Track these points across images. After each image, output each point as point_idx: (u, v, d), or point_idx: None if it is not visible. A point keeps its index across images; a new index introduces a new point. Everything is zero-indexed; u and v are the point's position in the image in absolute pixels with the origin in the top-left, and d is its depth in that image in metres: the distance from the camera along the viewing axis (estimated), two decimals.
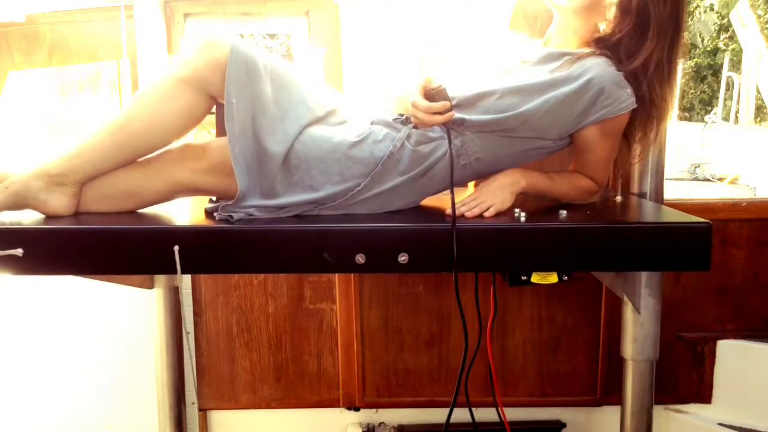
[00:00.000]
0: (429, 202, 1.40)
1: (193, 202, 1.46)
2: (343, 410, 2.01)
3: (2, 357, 1.99)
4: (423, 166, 1.31)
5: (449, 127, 1.29)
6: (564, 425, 2.00)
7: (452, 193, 1.26)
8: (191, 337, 1.94)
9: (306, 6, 1.88)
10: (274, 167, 1.26)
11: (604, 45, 1.35)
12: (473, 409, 1.93)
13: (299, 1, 1.89)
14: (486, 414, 1.84)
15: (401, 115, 1.37)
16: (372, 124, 1.35)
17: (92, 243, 1.21)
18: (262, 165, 1.26)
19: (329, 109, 1.37)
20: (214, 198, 1.36)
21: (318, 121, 1.33)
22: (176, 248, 1.17)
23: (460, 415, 1.92)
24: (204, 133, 1.66)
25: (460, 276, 1.23)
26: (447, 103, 1.25)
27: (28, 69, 1.97)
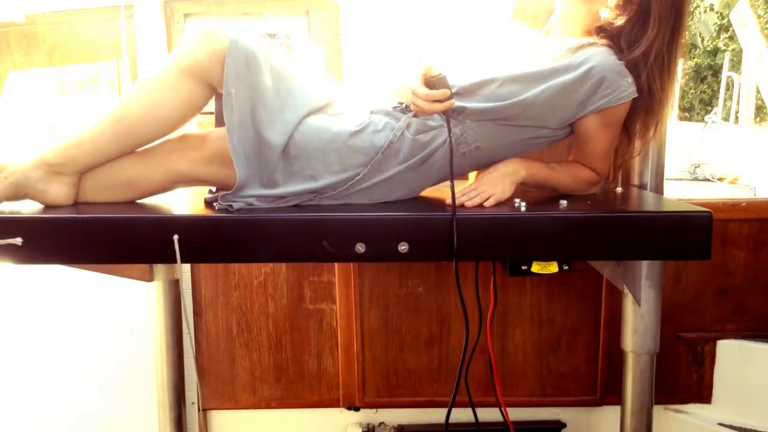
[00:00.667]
0: (429, 192, 1.40)
1: (193, 192, 1.46)
2: (343, 410, 2.01)
3: (2, 357, 1.99)
4: (422, 155, 1.32)
5: (449, 115, 1.29)
6: (564, 425, 2.00)
7: (452, 181, 1.26)
8: (191, 336, 1.94)
9: (306, 6, 1.88)
10: (274, 157, 1.26)
11: (605, 34, 1.35)
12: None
13: (299, 1, 1.89)
14: (486, 414, 1.84)
15: (401, 103, 1.37)
16: (371, 113, 1.35)
17: (91, 232, 1.21)
18: (261, 155, 1.26)
19: (328, 100, 1.37)
20: (213, 189, 1.36)
21: (317, 111, 1.33)
22: (176, 237, 1.17)
23: (460, 415, 1.93)
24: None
25: (461, 269, 1.23)
26: (447, 91, 1.25)
27: (28, 69, 1.97)
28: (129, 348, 1.97)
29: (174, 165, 1.30)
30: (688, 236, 1.22)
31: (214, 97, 1.33)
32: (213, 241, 1.22)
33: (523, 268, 1.54)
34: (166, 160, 1.30)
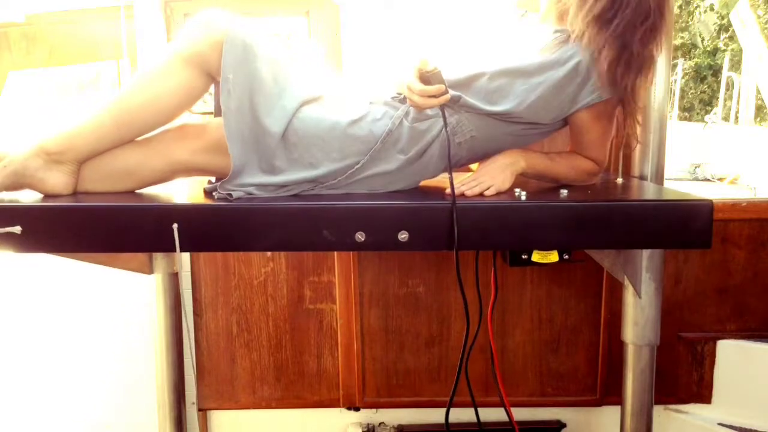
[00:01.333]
0: (429, 182, 1.40)
1: (192, 182, 1.46)
2: (343, 410, 2.01)
3: (2, 357, 1.99)
4: (420, 147, 1.32)
5: (445, 108, 1.29)
6: (564, 425, 2.00)
7: (450, 171, 1.26)
8: (191, 336, 1.94)
9: (306, 6, 1.89)
10: (272, 143, 1.26)
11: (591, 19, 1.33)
12: (473, 408, 1.93)
13: (299, 1, 1.89)
14: (486, 414, 1.84)
15: (399, 94, 1.37)
16: (370, 103, 1.36)
17: (91, 221, 1.21)
18: (259, 141, 1.26)
19: (326, 90, 1.37)
20: (213, 179, 1.36)
21: (315, 100, 1.34)
22: (175, 226, 1.17)
23: (461, 414, 1.93)
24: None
25: (461, 261, 1.23)
26: (442, 87, 1.26)
27: (28, 69, 1.97)
28: (129, 348, 1.97)
29: (173, 154, 1.30)
30: (688, 225, 1.21)
31: (213, 89, 1.33)
32: (212, 229, 1.21)
33: (523, 257, 1.54)
34: (165, 149, 1.30)
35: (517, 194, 1.26)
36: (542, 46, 1.36)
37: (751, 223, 1.85)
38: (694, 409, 1.95)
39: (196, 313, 1.95)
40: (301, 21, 1.90)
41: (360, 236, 1.19)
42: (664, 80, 1.55)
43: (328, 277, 1.93)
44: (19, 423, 2.02)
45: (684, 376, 1.93)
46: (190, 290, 1.93)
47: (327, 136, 1.28)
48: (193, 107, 1.35)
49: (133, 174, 1.31)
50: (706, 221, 1.21)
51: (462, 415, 1.93)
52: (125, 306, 1.96)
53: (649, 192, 1.44)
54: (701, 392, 1.93)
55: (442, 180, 1.35)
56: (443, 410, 1.69)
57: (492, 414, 1.86)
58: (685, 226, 1.22)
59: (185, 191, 1.40)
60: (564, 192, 1.29)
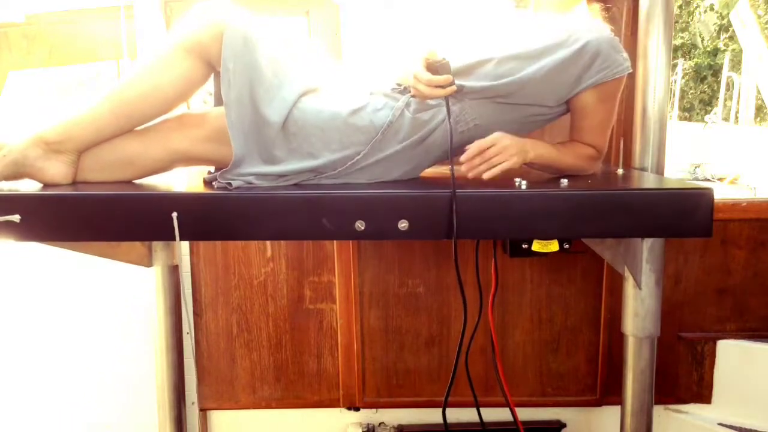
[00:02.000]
0: (429, 172, 1.40)
1: (192, 172, 1.46)
2: (343, 410, 2.01)
3: (2, 357, 1.99)
4: (421, 133, 1.32)
5: (449, 99, 1.29)
6: (564, 425, 2.00)
7: (451, 161, 1.25)
8: (191, 336, 1.94)
9: (306, 6, 1.89)
10: (272, 133, 1.26)
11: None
12: (473, 409, 1.93)
13: (299, 1, 1.89)
14: (486, 414, 1.84)
15: (399, 84, 1.37)
16: (370, 94, 1.35)
17: (90, 209, 1.20)
18: (259, 131, 1.26)
19: (325, 82, 1.37)
20: (212, 169, 1.36)
21: (315, 91, 1.34)
22: (174, 215, 1.16)
23: (461, 415, 1.93)
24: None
25: (461, 254, 1.22)
26: (449, 77, 1.26)
27: (28, 69, 1.96)
28: (129, 348, 1.98)
29: (173, 143, 1.30)
30: (689, 213, 1.21)
31: (212, 79, 1.33)
32: (212, 218, 1.21)
33: (524, 247, 1.53)
34: (165, 138, 1.30)
35: (517, 183, 1.25)
36: (550, 32, 1.36)
37: (751, 223, 1.85)
38: (694, 409, 1.95)
39: (196, 313, 1.95)
40: (301, 21, 1.90)
41: (360, 225, 1.19)
42: (664, 80, 1.55)
43: (328, 277, 1.93)
44: (19, 423, 2.02)
45: (684, 376, 1.93)
46: (191, 290, 1.93)
47: (327, 126, 1.28)
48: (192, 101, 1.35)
49: (133, 163, 1.31)
50: (707, 210, 1.20)
51: (462, 415, 1.93)
52: (125, 307, 1.96)
53: (650, 181, 1.44)
54: (701, 392, 1.93)
55: (443, 171, 1.35)
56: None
57: (492, 414, 1.86)
58: (686, 215, 1.21)
59: (185, 181, 1.40)
60: (564, 181, 1.29)
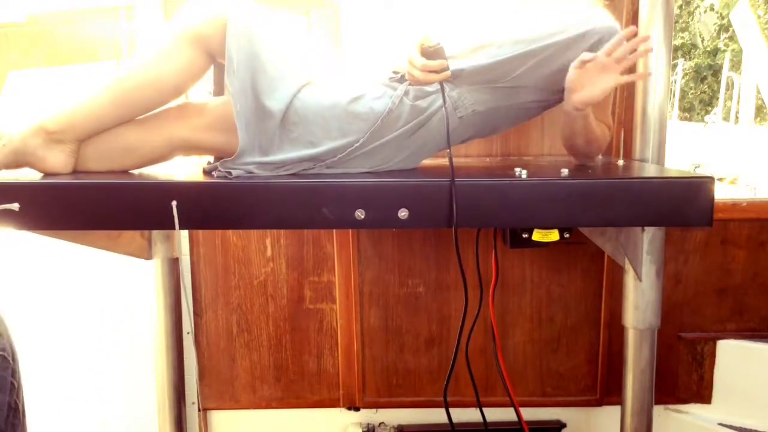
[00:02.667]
0: (429, 162, 1.40)
1: (191, 162, 1.45)
2: (343, 410, 2.01)
3: None
4: (419, 119, 1.31)
5: (445, 83, 1.28)
6: (564, 425, 2.00)
7: (449, 147, 1.25)
8: (191, 336, 1.94)
9: (306, 6, 1.89)
10: (273, 124, 1.26)
11: None
12: (473, 408, 1.93)
13: (299, 1, 1.89)
14: (486, 414, 1.84)
15: (396, 73, 1.37)
16: (369, 83, 1.36)
17: (89, 198, 1.20)
18: (261, 122, 1.26)
19: (326, 72, 1.38)
20: (211, 159, 1.36)
21: (316, 81, 1.34)
22: (174, 203, 1.16)
23: (460, 415, 1.93)
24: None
25: (462, 246, 1.21)
26: (444, 62, 1.25)
27: (28, 69, 1.97)
28: (128, 348, 1.98)
29: (173, 132, 1.30)
30: (689, 202, 1.20)
31: (212, 70, 1.34)
32: (211, 207, 1.20)
33: (524, 236, 1.52)
34: (165, 126, 1.30)
35: (517, 173, 1.25)
36: (547, 20, 1.37)
37: (751, 223, 1.85)
38: (694, 409, 1.95)
39: (196, 313, 1.95)
40: (302, 21, 1.90)
41: (360, 214, 1.18)
42: (664, 80, 1.54)
43: (328, 277, 1.93)
44: None
45: (684, 376, 1.93)
46: (191, 290, 1.93)
47: (327, 114, 1.28)
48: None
49: (133, 152, 1.31)
50: (708, 199, 1.19)
51: (462, 415, 1.93)
52: (125, 307, 1.96)
53: (651, 171, 1.44)
54: (701, 392, 1.93)
55: (445, 162, 1.34)
56: (443, 410, 1.69)
57: (491, 414, 1.86)
58: (687, 204, 1.20)
59: (184, 170, 1.39)
60: (565, 171, 1.29)
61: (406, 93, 1.32)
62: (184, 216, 1.17)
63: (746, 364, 1.87)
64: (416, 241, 1.90)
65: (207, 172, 1.30)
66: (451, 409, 1.67)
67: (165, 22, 1.83)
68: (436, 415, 1.97)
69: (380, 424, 2.02)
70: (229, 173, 1.24)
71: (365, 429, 2.01)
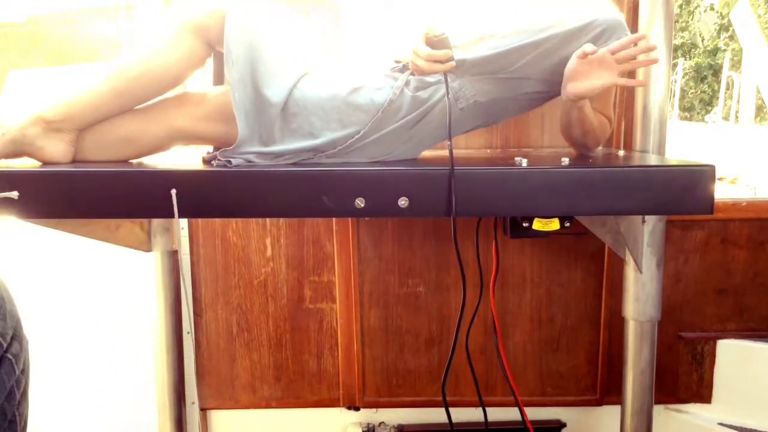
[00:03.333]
0: (429, 152, 1.40)
1: (191, 152, 1.46)
2: (343, 410, 2.01)
3: None
4: (420, 110, 1.31)
5: (448, 75, 1.28)
6: (564, 425, 2.01)
7: (450, 138, 1.24)
8: (191, 336, 1.94)
9: (306, 6, 1.89)
10: (273, 115, 1.26)
11: None
12: (473, 408, 1.94)
13: (299, 1, 1.89)
14: (478, 414, 1.84)
15: (398, 62, 1.37)
16: (370, 74, 1.35)
17: (89, 186, 1.19)
18: (260, 112, 1.26)
19: (325, 63, 1.38)
20: (211, 149, 1.36)
21: (315, 72, 1.34)
22: (173, 191, 1.16)
23: (460, 415, 1.93)
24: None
25: (462, 237, 1.20)
26: (449, 52, 1.25)
27: (28, 69, 1.97)
28: (129, 348, 1.98)
29: (173, 121, 1.29)
30: (690, 190, 1.19)
31: (212, 59, 1.34)
32: (211, 196, 1.19)
33: (524, 225, 1.52)
34: (164, 116, 1.30)
35: (517, 161, 1.25)
36: (556, 10, 1.36)
37: (751, 223, 1.85)
38: (694, 409, 1.95)
39: (196, 313, 1.95)
40: (302, 13, 1.90)
41: (360, 202, 1.17)
42: (664, 80, 1.55)
43: (328, 276, 1.93)
44: None
45: (684, 376, 1.93)
46: (191, 290, 1.93)
47: (327, 105, 1.28)
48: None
49: (132, 141, 1.31)
50: (708, 186, 1.18)
51: (461, 414, 1.93)
52: (125, 307, 1.96)
53: (651, 160, 1.43)
54: (701, 392, 1.93)
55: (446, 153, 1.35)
56: (443, 410, 1.69)
57: (491, 414, 1.86)
58: (687, 192, 1.19)
59: (183, 160, 1.39)
60: (565, 160, 1.28)
61: (407, 83, 1.31)
62: (184, 204, 1.16)
63: (746, 364, 1.87)
64: (416, 241, 1.90)
65: (206, 162, 1.30)
66: (450, 409, 1.67)
67: (164, 14, 1.83)
68: (436, 415, 1.97)
69: (380, 423, 2.02)
70: (229, 162, 1.24)
71: (365, 429, 2.01)
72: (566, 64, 1.30)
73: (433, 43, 1.25)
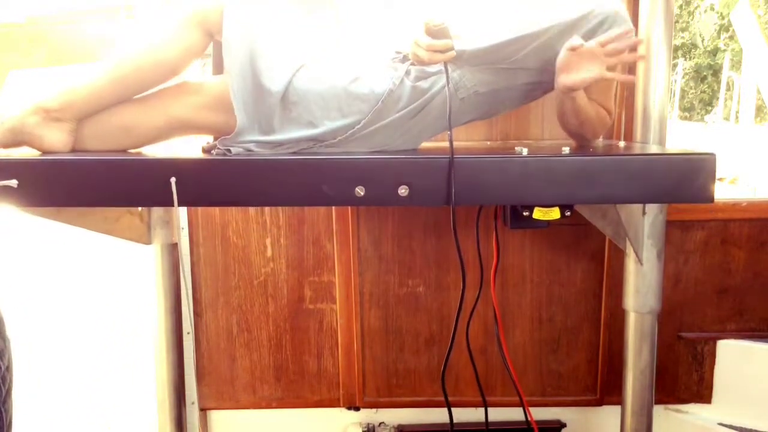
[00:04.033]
0: (429, 143, 1.40)
1: (190, 142, 1.45)
2: (343, 410, 2.01)
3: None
4: (421, 101, 1.31)
5: (448, 65, 1.28)
6: (564, 425, 2.00)
7: (450, 129, 1.24)
8: (191, 336, 1.94)
9: (306, 5, 1.88)
10: (272, 103, 1.26)
11: None
12: (473, 408, 1.94)
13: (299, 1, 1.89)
14: (478, 414, 1.84)
15: (398, 53, 1.37)
16: (369, 64, 1.35)
17: (88, 174, 1.19)
18: (259, 101, 1.26)
19: (325, 53, 1.38)
20: (210, 139, 1.36)
21: (314, 61, 1.34)
22: (173, 180, 1.15)
23: (460, 415, 1.93)
24: None
25: (462, 228, 1.19)
26: (449, 42, 1.25)
27: (28, 69, 1.97)
28: (129, 347, 1.98)
29: (172, 110, 1.29)
30: (691, 178, 1.18)
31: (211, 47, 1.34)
32: (210, 184, 1.19)
33: (524, 214, 1.52)
34: (164, 105, 1.30)
35: (518, 150, 1.24)
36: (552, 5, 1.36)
37: (751, 223, 1.85)
38: (694, 409, 1.95)
39: (196, 313, 1.95)
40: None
41: (360, 190, 1.17)
42: (665, 80, 1.55)
43: (328, 277, 1.93)
44: (17, 424, 2.02)
45: (684, 376, 1.93)
46: (191, 290, 1.93)
47: (327, 94, 1.28)
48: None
49: (131, 131, 1.31)
50: (709, 175, 1.18)
51: (461, 414, 1.93)
52: (125, 306, 1.96)
53: (652, 150, 1.43)
54: (701, 392, 1.93)
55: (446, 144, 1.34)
56: (443, 410, 1.69)
57: (491, 414, 1.86)
58: (688, 180, 1.18)
59: (183, 149, 1.39)
60: (566, 149, 1.28)
61: (407, 73, 1.31)
62: (183, 193, 1.16)
63: (746, 364, 1.87)
64: (416, 241, 1.90)
65: (206, 151, 1.30)
66: (451, 409, 1.67)
67: (164, 9, 1.83)
68: (436, 415, 1.97)
69: (380, 424, 2.02)
70: (228, 151, 1.24)
71: (365, 429, 2.01)
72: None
73: (433, 33, 1.25)
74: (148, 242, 1.73)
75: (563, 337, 1.94)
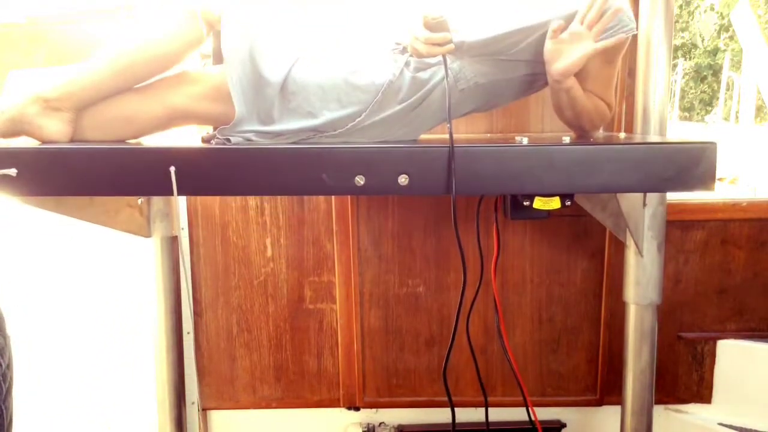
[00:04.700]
0: (429, 135, 1.40)
1: (190, 132, 1.45)
2: (343, 410, 2.01)
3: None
4: (421, 93, 1.30)
5: (446, 57, 1.27)
6: (564, 425, 2.01)
7: (449, 120, 1.23)
8: (191, 336, 1.94)
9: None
10: (271, 93, 1.26)
11: None
12: (473, 409, 1.94)
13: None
14: (480, 414, 1.84)
15: (398, 44, 1.36)
16: (369, 55, 1.35)
17: (87, 163, 1.18)
18: (259, 91, 1.26)
19: (325, 44, 1.38)
20: (210, 129, 1.36)
21: (314, 51, 1.34)
22: (172, 169, 1.15)
23: (459, 415, 1.92)
24: None
25: (463, 219, 1.18)
26: (447, 35, 1.24)
27: (28, 69, 1.97)
28: (129, 347, 1.98)
29: (171, 100, 1.29)
30: (691, 167, 1.18)
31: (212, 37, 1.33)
32: (210, 173, 1.18)
33: (525, 204, 1.52)
34: (163, 95, 1.29)
35: (518, 140, 1.24)
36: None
37: (751, 223, 1.85)
38: (694, 409, 1.95)
39: (196, 313, 1.95)
40: None
41: (360, 180, 1.16)
42: (665, 80, 1.55)
43: (328, 277, 1.93)
44: (17, 424, 2.02)
45: (684, 376, 1.93)
46: (191, 290, 1.93)
47: (326, 84, 1.28)
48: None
49: (131, 121, 1.30)
50: (710, 164, 1.17)
51: (461, 414, 1.93)
52: (125, 305, 1.96)
53: (652, 140, 1.43)
54: (701, 392, 1.93)
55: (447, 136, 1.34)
56: (443, 410, 1.69)
57: (491, 414, 1.86)
58: (689, 169, 1.18)
59: (183, 138, 1.39)
60: (566, 139, 1.27)
61: (407, 64, 1.31)
62: (183, 182, 1.15)
63: (746, 364, 1.87)
64: (416, 241, 1.90)
65: (206, 141, 1.30)
66: (453, 407, 1.67)
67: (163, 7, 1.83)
68: (436, 415, 1.97)
69: (380, 424, 2.02)
70: (228, 140, 1.23)
71: (365, 429, 2.01)
72: None
73: (432, 26, 1.24)
74: (148, 235, 1.73)
75: (563, 337, 1.94)
